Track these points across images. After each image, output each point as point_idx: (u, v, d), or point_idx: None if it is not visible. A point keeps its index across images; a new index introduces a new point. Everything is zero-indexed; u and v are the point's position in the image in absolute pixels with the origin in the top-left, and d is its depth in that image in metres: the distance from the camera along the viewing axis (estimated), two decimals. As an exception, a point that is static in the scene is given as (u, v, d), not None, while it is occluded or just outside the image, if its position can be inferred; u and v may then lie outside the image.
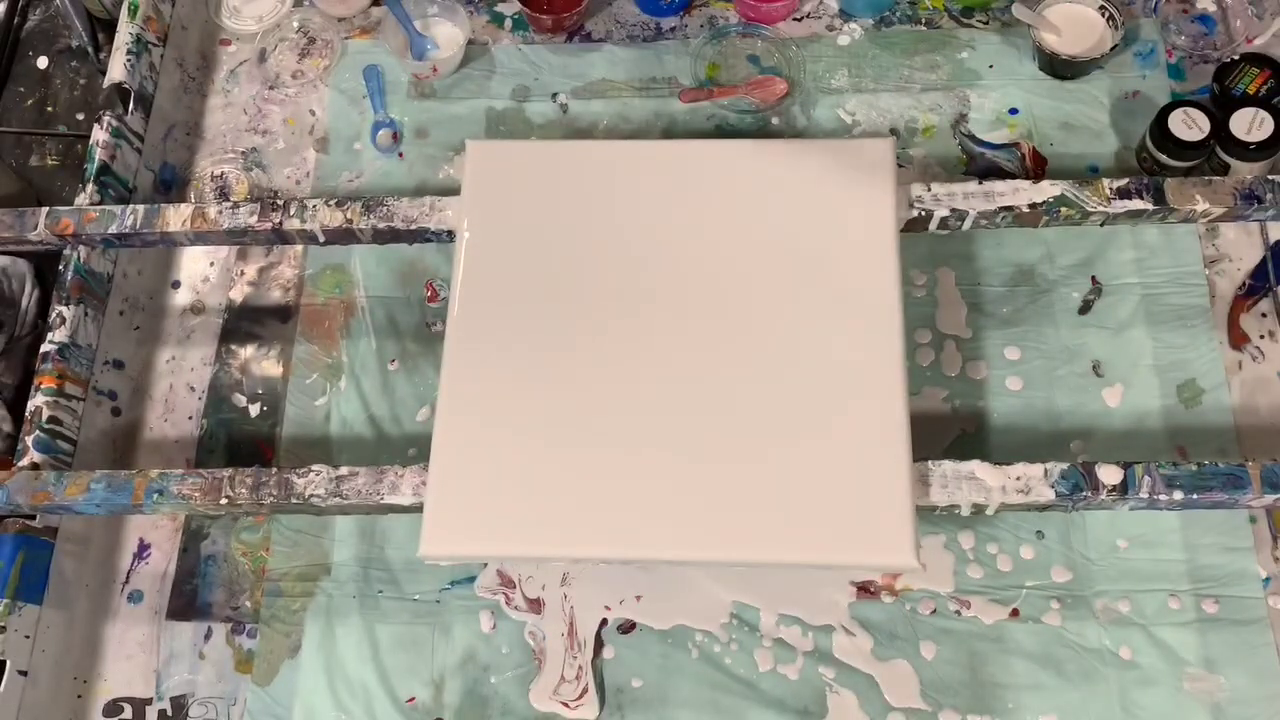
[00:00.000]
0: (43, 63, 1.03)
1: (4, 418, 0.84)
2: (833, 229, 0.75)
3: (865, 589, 0.78)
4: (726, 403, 0.71)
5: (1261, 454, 0.79)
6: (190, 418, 0.88)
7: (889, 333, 0.72)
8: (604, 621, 0.78)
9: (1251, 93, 0.86)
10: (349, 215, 0.80)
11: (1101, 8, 0.90)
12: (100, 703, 0.80)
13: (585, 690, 0.76)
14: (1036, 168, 0.90)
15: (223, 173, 0.97)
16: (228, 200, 0.95)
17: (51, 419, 0.80)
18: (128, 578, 0.84)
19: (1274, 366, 0.82)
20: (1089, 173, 0.89)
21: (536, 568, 0.80)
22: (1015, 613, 0.76)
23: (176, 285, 0.94)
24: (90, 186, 0.86)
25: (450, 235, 0.80)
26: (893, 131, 0.92)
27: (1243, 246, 0.86)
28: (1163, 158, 0.85)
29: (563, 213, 0.78)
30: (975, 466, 0.70)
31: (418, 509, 0.72)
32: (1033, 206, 0.76)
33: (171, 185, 0.96)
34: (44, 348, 0.82)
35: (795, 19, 0.98)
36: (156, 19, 0.96)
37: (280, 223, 0.81)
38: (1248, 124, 0.83)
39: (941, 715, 0.74)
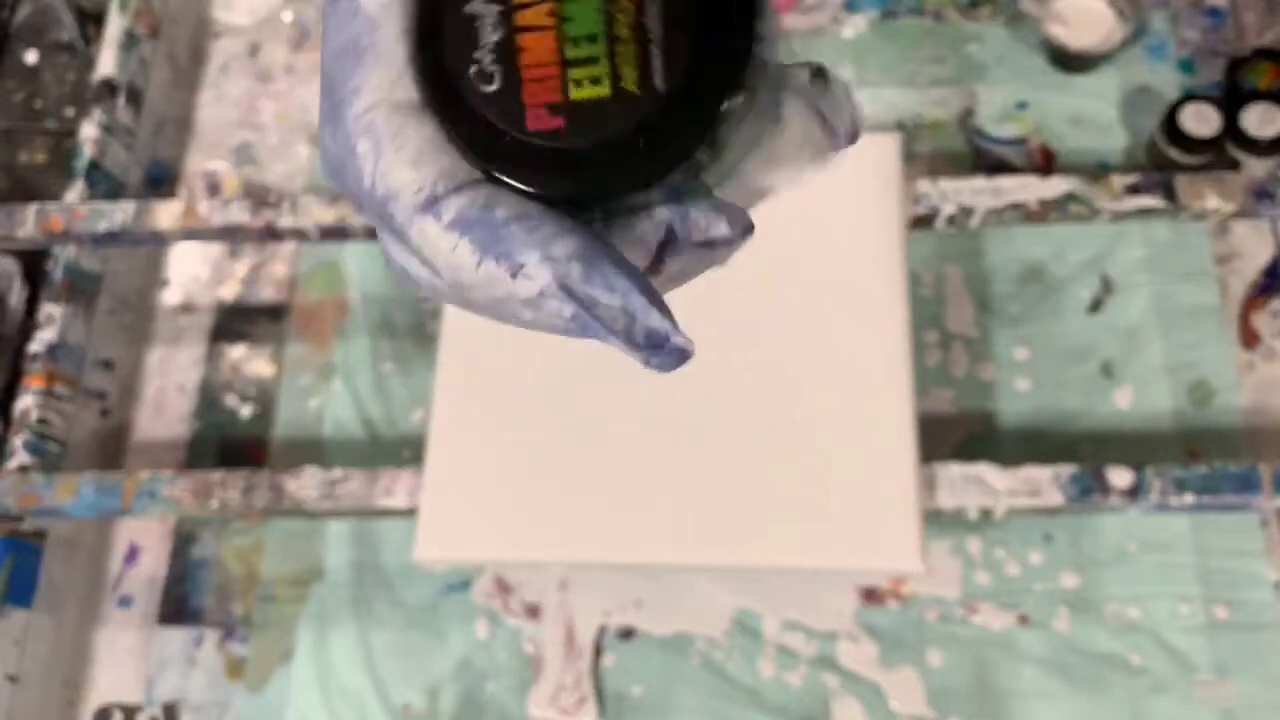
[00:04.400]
0: (31, 57, 1.01)
1: (-9, 419, 0.83)
2: (838, 227, 0.74)
3: (871, 594, 0.77)
4: (729, 402, 0.70)
5: (1274, 455, 0.78)
6: (181, 419, 0.87)
7: (895, 332, 0.71)
8: (603, 628, 0.77)
9: (1263, 88, 0.84)
10: (342, 212, 0.79)
11: (1111, 0, 0.89)
12: (90, 709, 0.79)
13: (584, 698, 0.75)
14: (1045, 163, 0.88)
15: (214, 169, 0.95)
16: (219, 197, 0.94)
17: (40, 420, 0.79)
18: (117, 582, 0.82)
19: (1287, 366, 0.81)
20: (1098, 169, 0.88)
21: (534, 572, 0.79)
22: (1023, 618, 0.75)
23: (166, 284, 0.92)
24: (79, 183, 0.85)
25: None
26: (899, 127, 0.91)
27: (1255, 244, 0.84)
28: (1173, 153, 0.84)
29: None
30: (983, 469, 0.69)
31: (413, 512, 0.71)
32: (1042, 203, 0.75)
33: (162, 181, 0.95)
34: (32, 348, 0.81)
35: (799, 12, 0.96)
36: (147, 12, 0.94)
37: (272, 220, 0.79)
38: (1260, 119, 0.82)
39: (948, 723, 0.73)
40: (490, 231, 0.19)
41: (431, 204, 0.20)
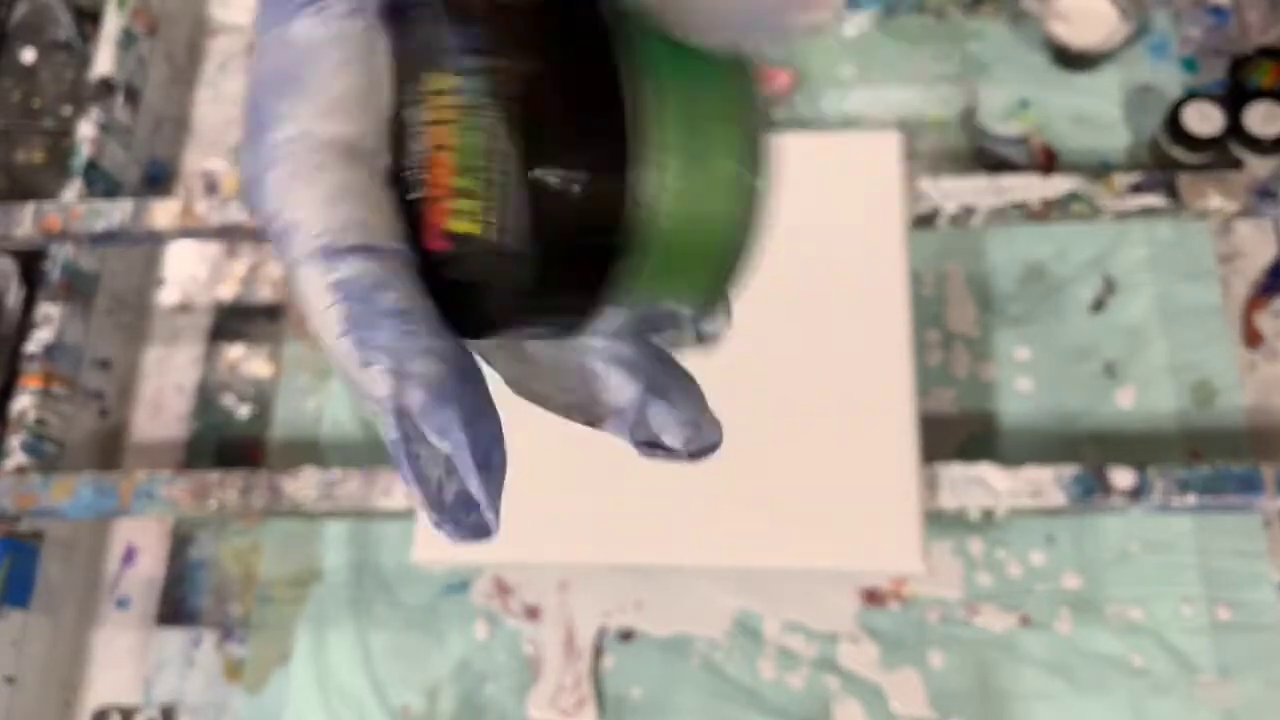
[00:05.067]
0: (28, 56, 1.01)
1: (-12, 419, 0.83)
2: (839, 225, 0.74)
3: (872, 595, 0.76)
4: (729, 402, 0.69)
5: (1277, 456, 0.77)
6: (178, 419, 0.86)
7: (897, 331, 0.70)
8: (603, 629, 0.77)
9: (1267, 86, 0.84)
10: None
11: (1113, -2, 0.88)
12: (88, 710, 0.79)
13: (583, 699, 0.75)
14: (1047, 162, 0.88)
15: (212, 168, 0.95)
16: (217, 195, 0.93)
17: (37, 420, 0.78)
18: (115, 583, 0.82)
19: (1290, 366, 0.80)
20: (1100, 167, 0.87)
21: (534, 573, 0.79)
22: (1025, 619, 0.75)
23: (164, 283, 0.92)
24: (77, 182, 0.85)
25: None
26: (900, 125, 0.90)
27: (1257, 243, 0.84)
28: (1176, 152, 0.83)
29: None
30: (984, 469, 0.69)
31: (411, 513, 0.70)
32: (1044, 202, 0.74)
33: (159, 180, 0.95)
34: (29, 348, 0.80)
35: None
36: (145, 11, 0.94)
37: (270, 219, 0.79)
38: (1263, 118, 0.81)
39: (949, 725, 0.73)
40: (366, 314, 0.18)
41: (327, 254, 0.18)
